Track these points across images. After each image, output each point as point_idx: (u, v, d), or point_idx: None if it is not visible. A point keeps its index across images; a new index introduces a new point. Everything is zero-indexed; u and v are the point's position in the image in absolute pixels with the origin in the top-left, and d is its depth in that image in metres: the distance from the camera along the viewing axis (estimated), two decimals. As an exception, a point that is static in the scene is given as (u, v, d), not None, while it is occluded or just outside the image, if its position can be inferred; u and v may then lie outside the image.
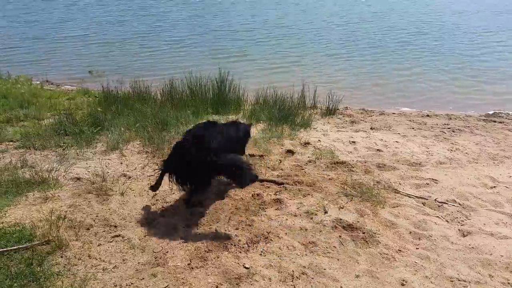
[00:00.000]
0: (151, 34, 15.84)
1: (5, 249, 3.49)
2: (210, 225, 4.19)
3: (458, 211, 4.70)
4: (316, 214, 4.49)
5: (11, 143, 5.94)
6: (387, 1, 22.23)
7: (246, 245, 3.92)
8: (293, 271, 3.58)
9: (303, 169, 5.54)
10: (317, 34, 16.08)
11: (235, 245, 3.88)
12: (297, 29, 16.72)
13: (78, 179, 4.93)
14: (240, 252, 3.80)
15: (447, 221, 4.51)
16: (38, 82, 10.15)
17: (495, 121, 8.22)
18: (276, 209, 4.58)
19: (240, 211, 4.48)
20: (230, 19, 18.34)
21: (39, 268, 3.34)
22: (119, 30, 16.45)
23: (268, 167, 5.57)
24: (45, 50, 13.82)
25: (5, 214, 4.09)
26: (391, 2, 21.82)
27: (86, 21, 17.85)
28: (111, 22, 17.72)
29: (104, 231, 3.98)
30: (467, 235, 4.27)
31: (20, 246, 3.54)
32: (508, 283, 3.56)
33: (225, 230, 4.11)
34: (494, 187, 5.30)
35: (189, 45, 14.42)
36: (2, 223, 3.94)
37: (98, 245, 3.76)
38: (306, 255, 3.84)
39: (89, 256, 3.59)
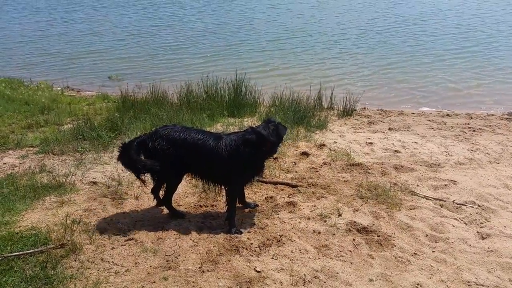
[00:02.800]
0: (170, 39, 16.00)
1: (20, 253, 3.58)
2: (222, 228, 4.19)
3: (477, 213, 4.57)
4: (330, 217, 4.44)
5: (31, 148, 6.09)
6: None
7: (258, 248, 3.90)
8: (305, 274, 3.54)
9: (317, 172, 5.49)
10: (334, 33, 15.95)
11: (247, 249, 3.87)
12: (314, 29, 16.61)
13: (94, 183, 5.02)
14: (252, 256, 3.79)
15: (465, 223, 4.39)
16: (59, 88, 10.39)
17: (518, 120, 7.97)
18: (289, 212, 4.55)
19: (253, 214, 4.47)
20: (249, 24, 18.37)
21: (53, 271, 3.40)
22: (139, 36, 16.67)
23: (283, 170, 5.54)
24: (66, 56, 14.12)
25: (22, 218, 4.19)
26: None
27: (105, 28, 18.16)
28: (130, 28, 17.99)
29: (117, 234, 4.02)
30: (486, 237, 4.14)
31: (35, 250, 3.62)
32: (529, 288, 3.44)
33: (238, 233, 4.09)
34: (516, 188, 5.13)
35: (207, 48, 14.50)
36: (19, 227, 4.04)
37: (111, 249, 3.80)
38: (319, 258, 3.80)
39: (102, 259, 3.64)
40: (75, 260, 3.60)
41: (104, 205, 4.50)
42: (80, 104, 8.90)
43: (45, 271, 3.39)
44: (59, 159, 5.70)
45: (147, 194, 4.77)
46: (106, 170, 5.31)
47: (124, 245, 3.86)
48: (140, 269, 3.55)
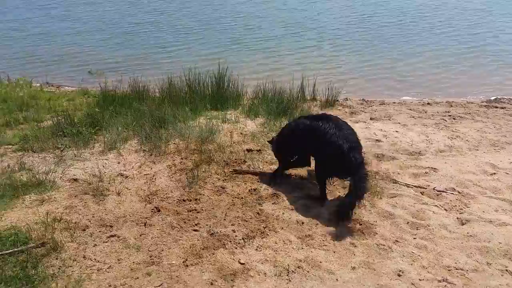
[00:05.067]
0: (150, 32, 15.78)
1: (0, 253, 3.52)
2: (207, 222, 4.19)
3: (457, 199, 4.66)
4: (313, 207, 4.47)
5: (9, 146, 5.96)
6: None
7: (242, 240, 3.92)
8: (288, 265, 3.57)
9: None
10: (315, 24, 15.92)
11: (231, 241, 3.88)
12: (295, 20, 16.56)
13: (75, 180, 4.95)
14: (236, 248, 3.80)
15: (445, 209, 4.47)
16: (38, 84, 10.17)
17: (496, 107, 8.11)
18: (273, 203, 4.58)
19: (237, 206, 4.48)
20: (229, 14, 18.22)
21: (33, 271, 3.36)
22: (117, 28, 16.39)
23: (266, 162, 5.55)
24: (45, 52, 13.83)
25: (1, 217, 4.11)
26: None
27: (82, 20, 17.80)
28: (108, 21, 17.68)
29: (99, 231, 3.99)
30: (465, 223, 4.22)
31: (15, 250, 3.56)
32: (506, 270, 3.53)
33: (222, 226, 4.10)
34: (494, 173, 5.23)
35: (189, 41, 14.35)
36: (-2, 227, 3.97)
37: (94, 246, 3.77)
38: (302, 248, 3.84)
39: (84, 257, 3.61)
40: (57, 259, 3.56)
41: (86, 202, 4.45)
42: (60, 100, 8.73)
43: (26, 271, 3.35)
44: (38, 156, 5.60)
45: (129, 189, 4.74)
46: (87, 167, 5.25)
47: (106, 242, 3.83)
48: (123, 265, 3.53)
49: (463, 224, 4.22)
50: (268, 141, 5.52)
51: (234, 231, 4.02)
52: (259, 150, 5.83)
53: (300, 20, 16.49)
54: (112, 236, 3.90)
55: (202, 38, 14.49)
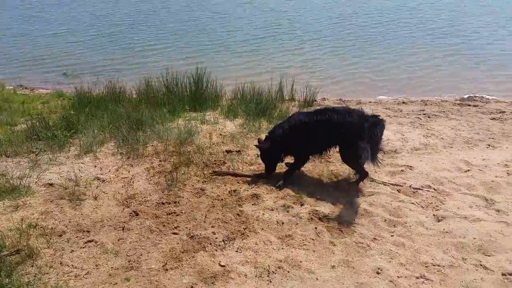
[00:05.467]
0: (126, 33, 15.58)
1: (-28, 262, 3.42)
2: (186, 224, 4.16)
3: (433, 196, 4.75)
4: (292, 207, 4.50)
5: (-19, 151, 5.80)
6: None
7: (222, 242, 3.90)
8: (269, 265, 3.58)
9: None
10: (294, 25, 16.02)
11: (211, 244, 3.87)
12: (273, 21, 16.61)
13: (51, 185, 4.84)
14: (216, 250, 3.79)
15: (422, 207, 4.55)
16: (11, 87, 9.94)
17: (469, 105, 8.31)
18: (253, 204, 4.58)
19: (217, 208, 4.46)
20: (205, 14, 18.15)
21: (7, 279, 3.27)
22: (93, 29, 16.13)
23: (246, 162, 5.55)
24: (19, 54, 13.51)
25: (-27, 225, 4.00)
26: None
27: (57, 22, 17.46)
28: (84, 21, 17.38)
29: (77, 237, 3.92)
30: (441, 219, 4.31)
31: (-12, 258, 3.47)
32: (480, 265, 3.62)
33: (202, 229, 4.08)
34: (468, 170, 5.35)
35: (166, 42, 14.22)
36: (-30, 235, 3.85)
37: (71, 252, 3.70)
38: (283, 248, 3.85)
39: (61, 263, 3.54)
40: (32, 266, 3.48)
41: (62, 207, 4.36)
42: (34, 103, 8.55)
43: (-1, 279, 3.27)
44: (12, 161, 5.46)
45: (106, 193, 4.67)
46: (62, 171, 5.14)
47: (83, 247, 3.76)
48: (101, 271, 3.47)
49: (439, 220, 4.30)
50: (257, 145, 5.23)
51: (214, 233, 4.01)
52: (239, 151, 5.83)
53: (279, 21, 16.55)
54: (89, 241, 3.84)
55: (180, 40, 14.38)
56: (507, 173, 5.26)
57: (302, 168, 5.24)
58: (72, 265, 3.52)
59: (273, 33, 14.92)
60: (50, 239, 3.83)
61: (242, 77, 8.85)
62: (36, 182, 4.89)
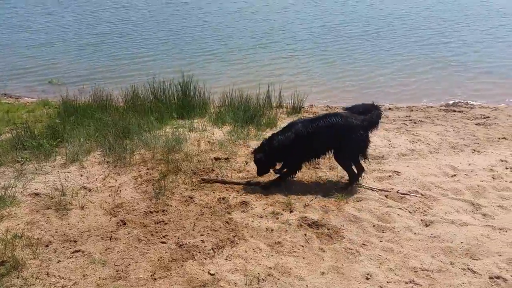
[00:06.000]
0: (113, 41, 15.50)
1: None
2: (175, 233, 4.13)
3: (420, 201, 4.79)
4: (281, 214, 4.50)
5: (-35, 161, 5.69)
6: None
7: (211, 251, 3.88)
8: (259, 273, 3.56)
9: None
10: (282, 34, 16.11)
11: (200, 252, 3.84)
12: (260, 29, 16.71)
13: (37, 194, 4.78)
14: (206, 259, 3.76)
15: (409, 212, 4.59)
16: (-5, 96, 9.81)
17: (455, 111, 8.43)
18: (242, 211, 4.57)
19: (205, 216, 4.44)
20: (191, 22, 18.16)
21: (-8, 291, 3.21)
22: (79, 38, 16.02)
23: (234, 169, 5.54)
24: (3, 61, 13.34)
25: (-44, 236, 3.91)
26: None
27: (43, 31, 17.30)
28: (70, 31, 17.25)
29: (63, 247, 3.85)
30: (429, 224, 4.35)
31: (-28, 270, 3.39)
32: (468, 268, 3.65)
33: (190, 237, 4.05)
34: (455, 175, 5.42)
35: (152, 50, 14.19)
36: (-47, 246, 3.77)
37: (57, 262, 3.64)
38: (272, 256, 3.84)
39: (47, 274, 3.48)
40: (18, 277, 3.41)
41: (48, 217, 4.29)
42: (19, 111, 8.45)
43: (-16, 292, 3.20)
44: (-3, 171, 5.38)
45: (93, 203, 4.61)
46: (48, 180, 5.07)
47: (70, 258, 3.70)
48: (88, 281, 3.42)
49: (427, 225, 4.34)
50: (255, 153, 5.24)
51: (203, 241, 3.98)
52: (227, 158, 5.82)
53: (267, 29, 16.61)
54: (76, 251, 3.78)
55: (169, 49, 14.35)
56: (493, 178, 5.34)
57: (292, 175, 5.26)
58: (59, 276, 3.46)
59: (261, 41, 14.97)
60: (36, 249, 3.77)
61: (229, 85, 8.84)
62: (21, 192, 4.82)
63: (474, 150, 6.24)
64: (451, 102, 9.19)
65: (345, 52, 13.40)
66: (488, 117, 7.93)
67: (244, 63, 12.58)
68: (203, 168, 5.47)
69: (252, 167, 5.57)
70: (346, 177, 5.22)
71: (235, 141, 6.38)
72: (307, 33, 15.88)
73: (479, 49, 13.21)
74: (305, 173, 5.43)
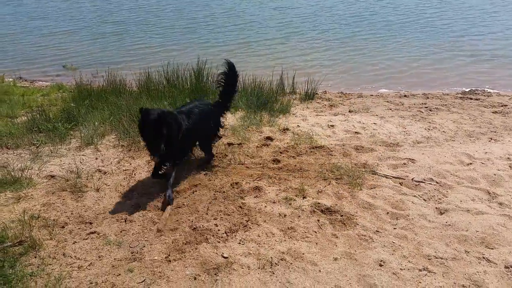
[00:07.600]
0: (126, 25, 15.50)
1: (-25, 253, 3.41)
2: (189, 216, 4.16)
3: (435, 189, 4.74)
4: (294, 200, 4.49)
5: (-18, 143, 5.78)
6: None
7: (225, 234, 3.90)
8: (271, 257, 3.58)
9: (282, 155, 5.52)
10: (294, 18, 15.95)
11: (213, 236, 3.86)
12: (273, 15, 16.55)
13: (52, 176, 4.84)
14: (219, 242, 3.78)
15: (424, 200, 4.55)
16: (11, 80, 9.89)
17: (471, 98, 8.29)
18: (255, 196, 4.57)
19: (219, 201, 4.45)
20: (207, 9, 18.05)
21: (11, 270, 3.27)
22: (93, 22, 16.05)
23: (247, 155, 5.53)
24: (17, 46, 13.44)
25: (-25, 216, 3.99)
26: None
27: (56, 14, 17.36)
28: (83, 14, 17.28)
29: (79, 228, 3.91)
30: (444, 212, 4.31)
31: (-9, 249, 3.46)
32: (483, 257, 3.61)
33: (204, 221, 4.07)
34: (471, 163, 5.35)
35: (168, 35, 14.15)
36: (-28, 226, 3.85)
37: (73, 243, 3.70)
38: (285, 240, 3.84)
39: (63, 254, 3.53)
40: (35, 257, 3.48)
41: (64, 199, 4.35)
42: (34, 95, 8.52)
43: (2, 270, 3.26)
44: (13, 153, 5.45)
45: (108, 185, 4.66)
46: (63, 163, 5.13)
47: (86, 239, 3.76)
48: (104, 262, 3.47)
49: (441, 213, 4.30)
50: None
51: (216, 225, 4.00)
52: (240, 143, 5.81)
53: (283, 16, 16.43)
54: (92, 232, 3.84)
55: (184, 35, 14.29)
56: (510, 167, 5.25)
57: (305, 161, 5.23)
58: (75, 256, 3.52)
59: (276, 27, 14.84)
60: (53, 230, 3.83)
61: (244, 70, 8.79)
62: (37, 174, 4.89)
63: (491, 139, 6.14)
64: (467, 89, 9.03)
65: (359, 38, 13.22)
66: (506, 105, 7.78)
67: (257, 50, 12.48)
68: (216, 153, 5.47)
69: (265, 152, 5.57)
70: (361, 163, 5.18)
71: (248, 127, 6.37)
72: (322, 19, 15.70)
73: (498, 37, 12.93)
74: (318, 159, 5.40)
